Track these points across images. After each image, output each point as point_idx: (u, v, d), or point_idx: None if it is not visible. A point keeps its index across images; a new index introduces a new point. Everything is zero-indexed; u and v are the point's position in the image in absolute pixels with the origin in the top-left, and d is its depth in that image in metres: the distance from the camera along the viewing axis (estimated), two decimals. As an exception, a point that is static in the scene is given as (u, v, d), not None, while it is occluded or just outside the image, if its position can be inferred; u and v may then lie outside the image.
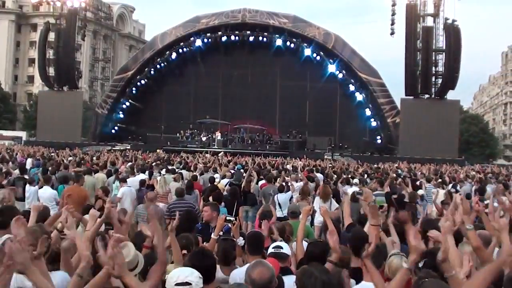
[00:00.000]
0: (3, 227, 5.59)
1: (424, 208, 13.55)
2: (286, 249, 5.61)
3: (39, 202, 11.37)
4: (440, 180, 18.53)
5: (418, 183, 16.88)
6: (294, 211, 9.83)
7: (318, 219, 12.67)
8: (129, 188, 13.48)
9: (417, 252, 4.20)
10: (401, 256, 5.16)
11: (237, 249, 5.86)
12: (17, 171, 15.20)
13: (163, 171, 16.51)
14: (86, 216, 6.92)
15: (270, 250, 5.62)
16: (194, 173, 17.14)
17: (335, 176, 19.30)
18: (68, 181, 13.30)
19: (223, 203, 11.28)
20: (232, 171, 19.07)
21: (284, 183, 15.14)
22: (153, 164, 21.11)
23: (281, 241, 6.13)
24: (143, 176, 16.16)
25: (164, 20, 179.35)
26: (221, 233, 6.53)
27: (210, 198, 11.15)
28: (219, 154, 34.65)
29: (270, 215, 8.90)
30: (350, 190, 13.64)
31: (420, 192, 14.59)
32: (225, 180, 16.65)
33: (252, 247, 5.72)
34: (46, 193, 12.07)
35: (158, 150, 40.55)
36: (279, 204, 13.22)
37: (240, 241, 5.94)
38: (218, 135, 47.57)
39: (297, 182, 16.60)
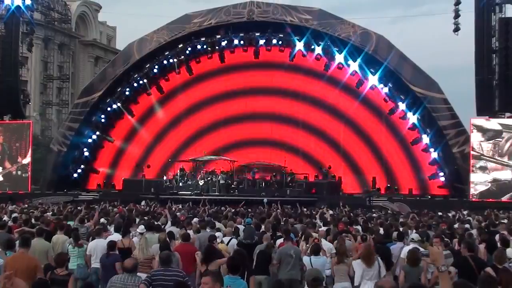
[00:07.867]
0: None
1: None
2: None
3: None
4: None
5: (497, 237, 16.61)
6: (316, 278, 9.64)
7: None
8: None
9: None
10: None
11: None
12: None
13: (141, 228, 16.37)
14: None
15: None
16: (187, 231, 17.14)
17: (381, 229, 19.18)
18: (13, 247, 13.24)
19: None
20: (237, 225, 19.17)
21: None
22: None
23: None
24: (117, 236, 16.22)
25: (141, 22, 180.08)
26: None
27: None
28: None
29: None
30: (404, 250, 13.59)
31: (509, 251, 13.91)
32: (227, 239, 16.63)
33: None
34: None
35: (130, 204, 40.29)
36: None
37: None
38: (220, 177, 47.59)
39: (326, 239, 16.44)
